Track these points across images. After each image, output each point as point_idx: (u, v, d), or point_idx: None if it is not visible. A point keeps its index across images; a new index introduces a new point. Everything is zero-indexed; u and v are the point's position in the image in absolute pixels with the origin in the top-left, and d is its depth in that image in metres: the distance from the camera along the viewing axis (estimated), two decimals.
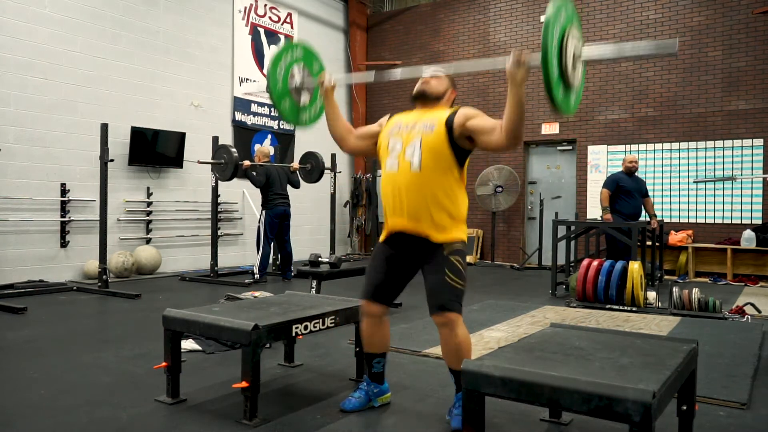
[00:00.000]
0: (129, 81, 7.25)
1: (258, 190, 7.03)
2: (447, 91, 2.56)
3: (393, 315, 4.58)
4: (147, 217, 7.48)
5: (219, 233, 7.46)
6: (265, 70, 2.76)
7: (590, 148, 8.85)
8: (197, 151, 7.78)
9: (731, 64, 7.93)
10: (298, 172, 7.26)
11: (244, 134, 8.79)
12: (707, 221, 8.09)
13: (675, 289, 5.15)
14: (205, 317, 2.59)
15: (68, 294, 5.79)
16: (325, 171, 7.54)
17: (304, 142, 9.54)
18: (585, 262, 5.58)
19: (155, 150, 7.36)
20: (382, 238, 2.59)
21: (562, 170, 9.33)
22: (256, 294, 4.59)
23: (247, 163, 6.68)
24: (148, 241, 7.48)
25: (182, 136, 7.64)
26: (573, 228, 6.68)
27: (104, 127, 5.89)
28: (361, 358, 3.03)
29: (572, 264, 6.88)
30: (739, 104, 7.88)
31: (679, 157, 8.26)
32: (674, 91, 8.28)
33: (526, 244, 9.42)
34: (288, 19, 9.53)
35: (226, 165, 6.47)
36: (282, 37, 9.39)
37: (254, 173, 6.72)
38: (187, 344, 3.59)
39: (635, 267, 5.31)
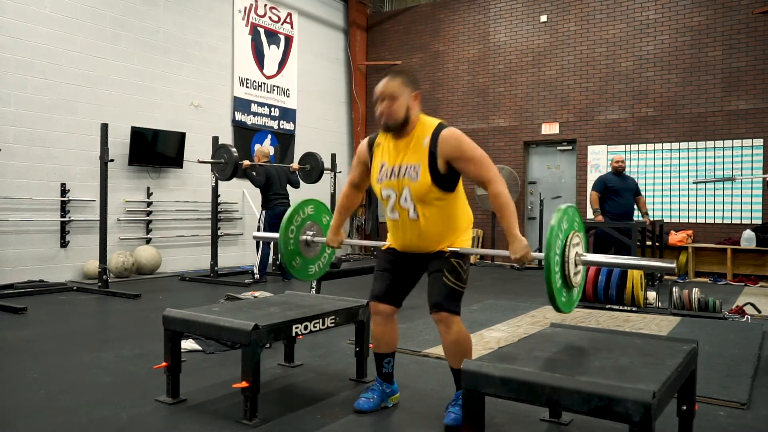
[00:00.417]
0: (129, 81, 7.25)
1: (258, 190, 7.03)
2: (408, 106, 2.34)
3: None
4: (147, 217, 7.48)
5: (219, 233, 7.46)
6: (278, 233, 2.80)
7: (590, 148, 8.85)
8: (197, 151, 7.78)
9: (731, 64, 7.93)
10: (297, 172, 7.26)
11: (244, 134, 8.79)
12: (707, 221, 8.09)
13: (675, 289, 5.15)
14: (205, 317, 2.59)
15: (68, 294, 5.79)
16: (325, 172, 7.54)
17: (304, 142, 9.55)
18: None
19: (155, 150, 7.36)
20: (386, 246, 2.64)
21: (562, 170, 9.33)
22: (256, 294, 4.59)
23: (246, 162, 6.68)
24: (148, 241, 7.48)
25: (182, 136, 7.64)
26: None
27: (104, 127, 5.89)
28: (362, 358, 3.05)
29: None
30: (739, 104, 7.88)
31: (679, 157, 8.26)
32: (674, 91, 8.28)
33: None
34: (288, 19, 9.53)
35: (226, 164, 6.47)
36: (282, 37, 9.39)
37: (254, 173, 6.72)
38: (187, 344, 3.59)
39: None
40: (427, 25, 10.30)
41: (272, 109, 9.22)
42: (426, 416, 2.57)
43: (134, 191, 7.35)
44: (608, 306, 5.32)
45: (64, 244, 6.61)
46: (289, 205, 7.01)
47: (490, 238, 9.49)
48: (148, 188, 7.47)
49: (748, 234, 7.43)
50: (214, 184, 6.88)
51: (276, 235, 2.86)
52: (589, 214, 8.59)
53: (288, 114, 9.49)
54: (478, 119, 9.78)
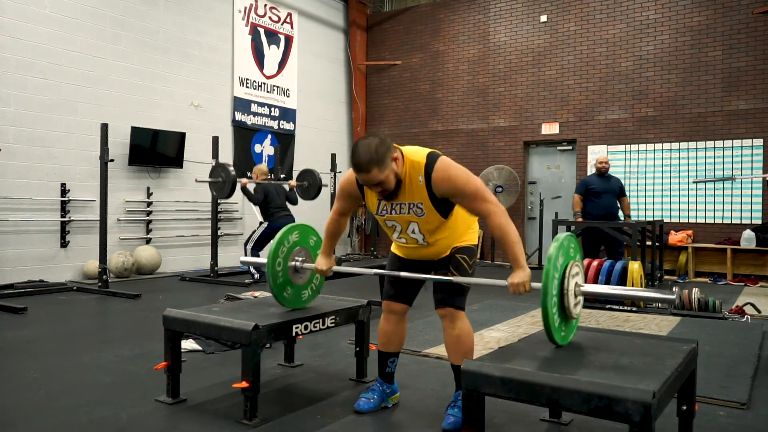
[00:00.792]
0: (129, 81, 7.25)
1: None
2: (394, 171, 2.29)
3: None
4: (147, 217, 7.47)
5: (219, 233, 7.45)
6: (265, 265, 2.68)
7: (590, 148, 8.85)
8: (197, 151, 7.79)
9: (731, 64, 7.93)
10: (295, 189, 7.22)
11: (244, 134, 8.79)
12: (707, 221, 8.09)
13: (675, 289, 5.15)
14: (205, 317, 2.59)
15: (68, 294, 5.79)
16: (325, 173, 7.52)
17: (304, 142, 9.55)
18: (585, 262, 5.58)
19: (155, 150, 7.35)
20: (393, 249, 2.69)
21: (562, 170, 9.33)
22: (256, 294, 4.59)
23: (244, 180, 6.62)
24: (148, 241, 7.48)
25: (182, 136, 7.63)
26: (573, 228, 6.68)
27: (104, 127, 5.89)
28: (362, 358, 3.05)
29: None
30: (739, 104, 7.88)
31: (679, 157, 8.26)
32: (674, 91, 8.28)
33: (526, 244, 9.42)
34: (288, 19, 9.53)
35: (224, 183, 6.40)
36: (282, 37, 9.39)
37: (251, 191, 6.65)
38: (187, 344, 3.59)
39: (635, 267, 5.31)
40: (427, 25, 10.30)
41: (272, 109, 9.22)
42: (426, 416, 2.57)
43: (134, 191, 7.35)
44: (608, 306, 5.32)
45: (64, 244, 6.61)
46: (292, 217, 6.93)
47: (491, 238, 9.49)
48: (148, 188, 7.47)
49: (748, 234, 7.43)
50: None
51: (264, 260, 2.76)
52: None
53: (288, 114, 9.48)
54: (478, 119, 9.79)
